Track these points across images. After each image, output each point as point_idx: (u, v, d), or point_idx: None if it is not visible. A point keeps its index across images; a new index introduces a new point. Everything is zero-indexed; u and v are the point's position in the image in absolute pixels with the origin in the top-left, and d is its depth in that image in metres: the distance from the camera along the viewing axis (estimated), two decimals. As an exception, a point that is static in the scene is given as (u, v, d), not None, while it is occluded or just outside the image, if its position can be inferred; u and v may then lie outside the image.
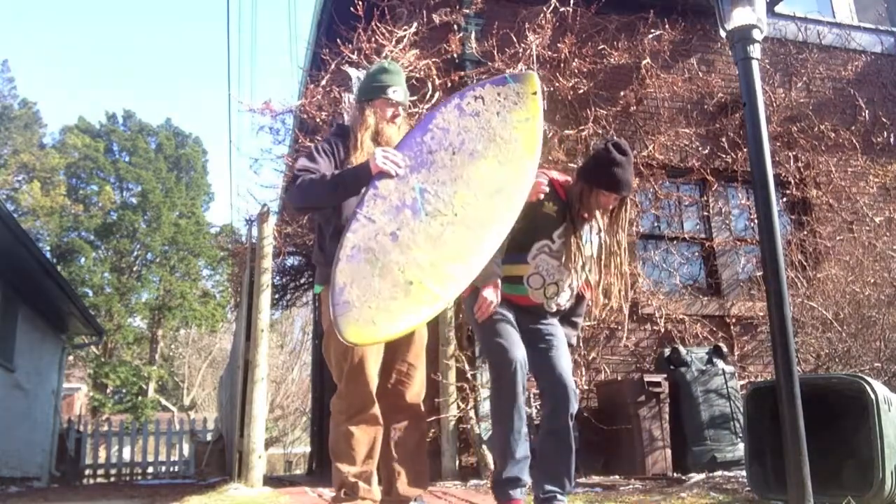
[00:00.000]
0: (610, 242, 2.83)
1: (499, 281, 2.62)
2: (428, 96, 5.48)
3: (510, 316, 2.67)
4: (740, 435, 4.55)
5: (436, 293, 2.38)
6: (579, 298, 2.88)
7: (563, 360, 2.71)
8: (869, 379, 2.86)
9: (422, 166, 2.60)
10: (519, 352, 2.60)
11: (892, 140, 6.84)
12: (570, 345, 2.84)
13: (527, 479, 2.59)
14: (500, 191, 2.56)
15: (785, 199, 6.39)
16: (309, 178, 2.58)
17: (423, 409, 2.81)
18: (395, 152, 2.56)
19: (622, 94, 6.12)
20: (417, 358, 2.80)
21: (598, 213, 2.80)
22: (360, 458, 2.57)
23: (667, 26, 6.20)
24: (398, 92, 2.80)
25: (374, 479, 2.62)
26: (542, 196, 2.68)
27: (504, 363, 2.59)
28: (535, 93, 2.69)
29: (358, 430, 2.58)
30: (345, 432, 2.59)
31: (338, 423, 2.62)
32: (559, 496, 2.59)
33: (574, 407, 2.66)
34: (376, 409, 2.62)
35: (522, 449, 2.58)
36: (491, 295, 2.58)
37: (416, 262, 2.41)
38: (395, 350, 2.73)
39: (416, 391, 2.79)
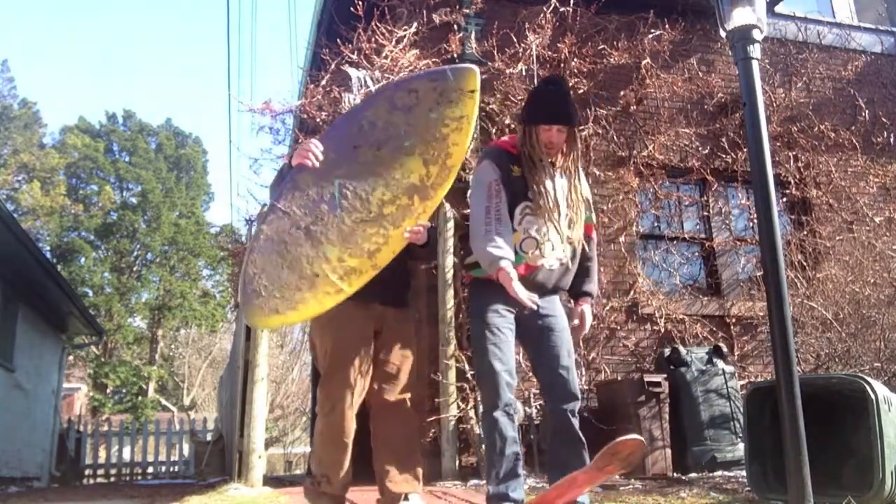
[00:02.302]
0: (570, 178, 2.70)
1: (508, 264, 2.51)
2: (428, 96, 5.48)
3: (505, 323, 2.64)
4: (740, 435, 4.55)
5: (339, 286, 2.48)
6: (583, 246, 2.78)
7: (562, 350, 2.66)
8: (869, 379, 2.86)
9: (344, 161, 2.56)
10: (507, 371, 2.57)
11: (892, 140, 6.84)
12: (588, 295, 2.79)
13: (516, 495, 2.53)
14: (420, 190, 2.55)
15: (785, 199, 6.39)
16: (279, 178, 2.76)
17: (410, 407, 2.86)
18: (317, 144, 2.56)
19: (622, 94, 6.12)
20: (404, 358, 2.84)
21: (556, 153, 2.67)
22: (327, 457, 2.71)
23: (667, 26, 6.20)
24: None
25: (341, 476, 2.72)
26: (510, 165, 2.65)
27: (489, 377, 2.58)
28: (472, 91, 2.62)
29: (327, 428, 2.70)
30: (319, 428, 2.74)
31: (318, 417, 2.78)
32: (577, 498, 2.54)
33: (575, 400, 2.62)
34: (344, 412, 2.68)
35: (506, 465, 2.53)
36: (507, 282, 2.49)
37: (325, 256, 2.49)
38: (381, 351, 2.79)
39: (402, 390, 2.82)
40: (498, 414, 2.55)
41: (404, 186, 2.55)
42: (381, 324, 2.80)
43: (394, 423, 2.79)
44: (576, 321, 2.79)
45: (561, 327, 2.71)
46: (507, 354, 2.60)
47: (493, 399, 2.56)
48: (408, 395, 2.84)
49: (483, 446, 4.77)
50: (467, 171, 5.41)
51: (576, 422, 2.61)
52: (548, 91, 2.71)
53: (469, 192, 2.92)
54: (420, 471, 2.85)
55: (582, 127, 5.87)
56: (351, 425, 2.71)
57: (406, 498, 2.74)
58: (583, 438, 2.61)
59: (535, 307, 2.52)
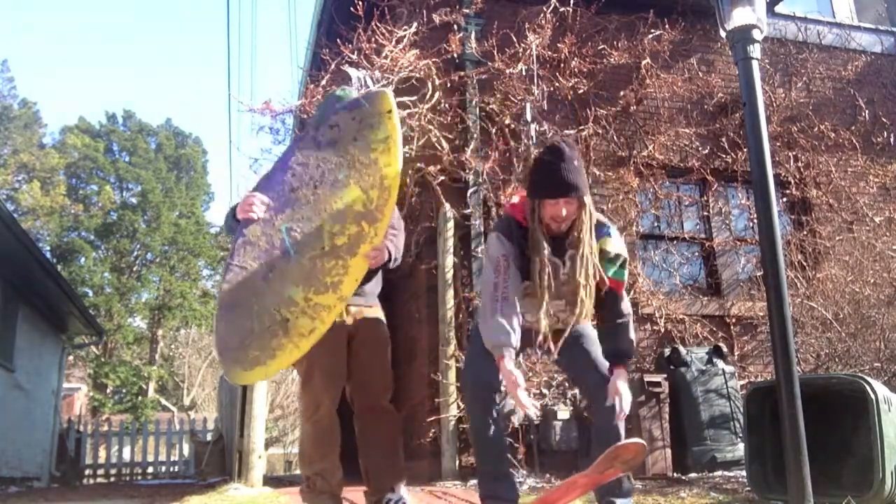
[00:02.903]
0: (580, 254, 2.52)
1: (511, 353, 2.44)
2: (428, 96, 5.49)
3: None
4: (740, 435, 4.55)
5: (312, 325, 2.56)
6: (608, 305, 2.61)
7: (592, 347, 2.61)
8: (869, 379, 2.86)
9: (286, 206, 2.63)
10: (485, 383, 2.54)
11: (892, 140, 6.84)
12: (618, 358, 2.57)
13: (505, 494, 2.54)
14: (366, 215, 2.60)
15: (785, 199, 6.39)
16: (226, 221, 2.80)
17: (389, 405, 2.96)
18: (259, 195, 2.64)
19: (622, 94, 6.12)
20: (374, 357, 2.92)
21: (565, 225, 2.52)
22: (318, 456, 2.82)
23: (667, 26, 6.20)
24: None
25: (336, 473, 2.85)
26: (521, 240, 2.54)
27: (466, 387, 2.58)
28: (389, 111, 2.65)
29: (314, 429, 2.81)
30: (305, 431, 2.87)
31: (301, 423, 2.93)
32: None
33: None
34: (329, 409, 2.80)
35: (493, 465, 2.56)
36: (507, 379, 2.41)
37: (291, 299, 2.56)
38: (357, 351, 2.89)
39: (378, 391, 2.93)
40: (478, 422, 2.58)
41: (350, 216, 2.61)
42: (355, 325, 2.87)
43: (376, 423, 2.92)
44: (609, 401, 2.50)
45: (587, 333, 2.66)
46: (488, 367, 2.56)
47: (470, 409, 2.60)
48: (388, 394, 2.96)
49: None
50: (467, 170, 5.42)
51: (621, 425, 2.53)
52: (551, 162, 2.49)
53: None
54: (403, 465, 2.98)
55: (582, 127, 5.88)
56: (336, 422, 2.84)
57: (392, 490, 2.86)
58: (622, 438, 2.53)
59: (534, 414, 2.50)
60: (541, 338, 2.52)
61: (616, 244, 2.62)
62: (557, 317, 2.58)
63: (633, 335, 2.63)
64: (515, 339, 2.45)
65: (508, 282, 2.51)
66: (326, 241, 2.60)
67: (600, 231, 2.60)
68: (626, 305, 2.63)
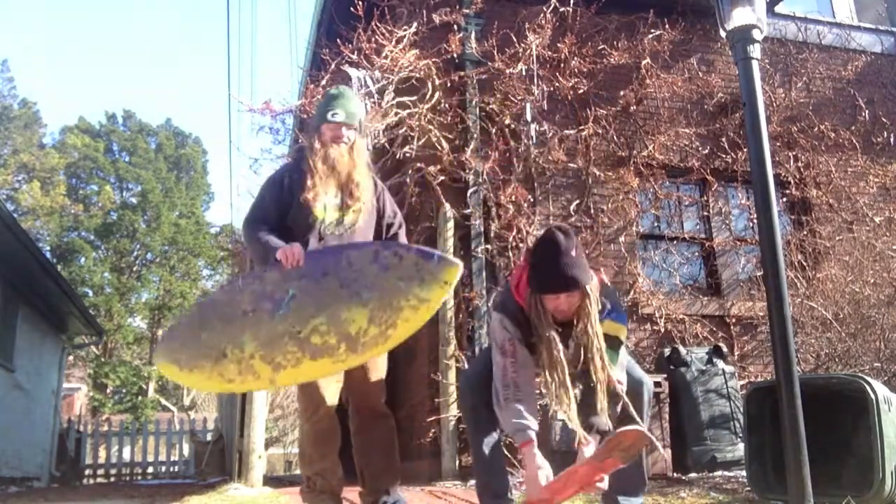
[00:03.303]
0: (585, 344, 2.41)
1: (533, 436, 2.37)
2: (428, 96, 5.49)
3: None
4: (740, 435, 4.55)
5: (235, 378, 2.63)
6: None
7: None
8: (869, 379, 2.86)
9: (310, 278, 2.67)
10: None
11: (892, 140, 6.83)
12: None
13: (498, 485, 2.56)
14: (351, 341, 2.60)
15: (785, 199, 6.39)
16: (248, 233, 2.86)
17: (383, 407, 2.99)
18: (300, 253, 2.67)
19: (622, 94, 6.12)
20: (375, 360, 2.92)
21: (569, 315, 2.43)
22: (318, 456, 2.84)
23: (667, 26, 6.20)
24: (338, 114, 2.90)
25: (336, 472, 2.87)
26: (527, 328, 2.45)
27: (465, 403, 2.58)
28: (447, 282, 2.63)
29: (313, 429, 2.84)
30: (305, 432, 2.89)
31: (300, 424, 2.96)
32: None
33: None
34: (328, 410, 2.82)
35: (493, 482, 2.56)
36: (534, 464, 2.34)
37: (241, 345, 2.62)
38: None
39: (374, 392, 2.94)
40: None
41: (341, 330, 2.62)
42: None
43: (371, 425, 2.94)
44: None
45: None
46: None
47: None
48: (383, 396, 2.97)
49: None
50: (467, 170, 5.42)
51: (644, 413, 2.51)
52: (549, 256, 2.38)
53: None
54: (398, 467, 3.00)
55: (582, 127, 5.88)
56: (335, 422, 2.86)
57: (388, 492, 2.88)
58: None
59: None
60: (577, 440, 2.36)
61: (614, 326, 2.50)
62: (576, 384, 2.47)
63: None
64: (534, 422, 2.39)
65: (517, 366, 2.44)
66: (307, 330, 2.61)
67: (601, 312, 2.47)
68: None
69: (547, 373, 2.41)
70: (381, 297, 2.61)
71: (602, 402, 2.38)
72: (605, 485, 2.30)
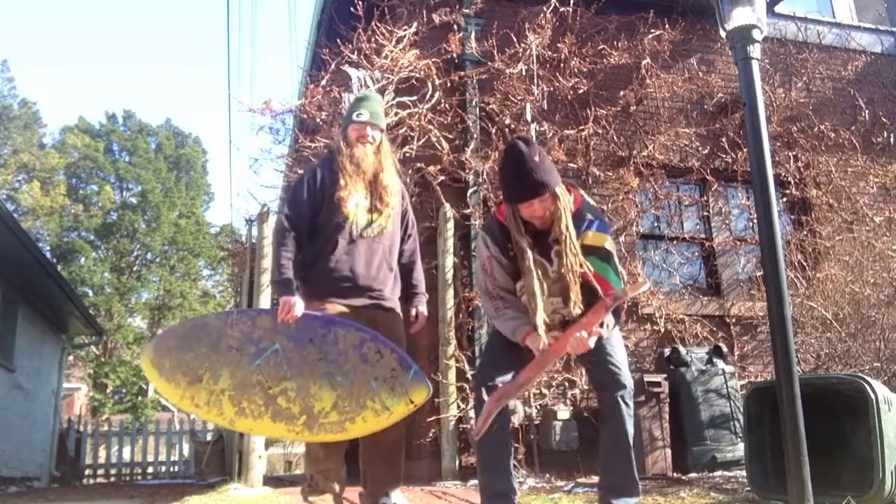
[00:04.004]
0: (563, 249, 2.51)
1: (527, 327, 2.51)
2: (428, 96, 5.49)
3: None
4: (740, 435, 4.55)
5: (202, 406, 2.73)
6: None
7: (615, 360, 2.57)
8: (869, 379, 2.86)
9: (297, 341, 2.73)
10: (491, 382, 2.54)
11: (892, 140, 6.84)
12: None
13: (501, 487, 2.55)
14: (311, 418, 2.65)
15: (785, 199, 6.39)
16: (277, 238, 2.90)
17: None
18: (298, 312, 2.74)
19: (622, 94, 6.12)
20: None
21: (546, 220, 2.53)
22: (324, 455, 2.90)
23: (667, 26, 6.20)
24: (363, 114, 2.99)
25: (339, 473, 2.93)
26: (506, 242, 2.59)
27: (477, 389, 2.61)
28: (412, 402, 2.67)
29: None
30: None
31: None
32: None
33: (621, 388, 2.52)
34: None
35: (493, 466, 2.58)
36: (535, 342, 2.49)
37: (218, 377, 2.72)
38: None
39: None
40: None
41: (306, 402, 2.66)
42: (372, 328, 2.87)
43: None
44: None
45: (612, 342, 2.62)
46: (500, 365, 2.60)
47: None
48: None
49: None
50: (467, 170, 5.42)
51: (625, 412, 2.53)
52: (513, 165, 2.50)
53: None
54: (401, 471, 3.01)
55: (582, 127, 5.87)
56: None
57: (387, 494, 2.89)
58: (627, 435, 2.53)
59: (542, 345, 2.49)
60: (543, 340, 2.49)
61: (597, 237, 2.57)
62: (560, 313, 2.58)
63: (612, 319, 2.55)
64: (525, 318, 2.52)
65: (497, 282, 2.61)
66: (276, 390, 2.67)
67: (581, 222, 2.57)
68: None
69: (523, 280, 2.54)
70: (352, 387, 2.67)
71: (575, 295, 2.48)
72: (597, 334, 2.43)
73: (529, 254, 2.53)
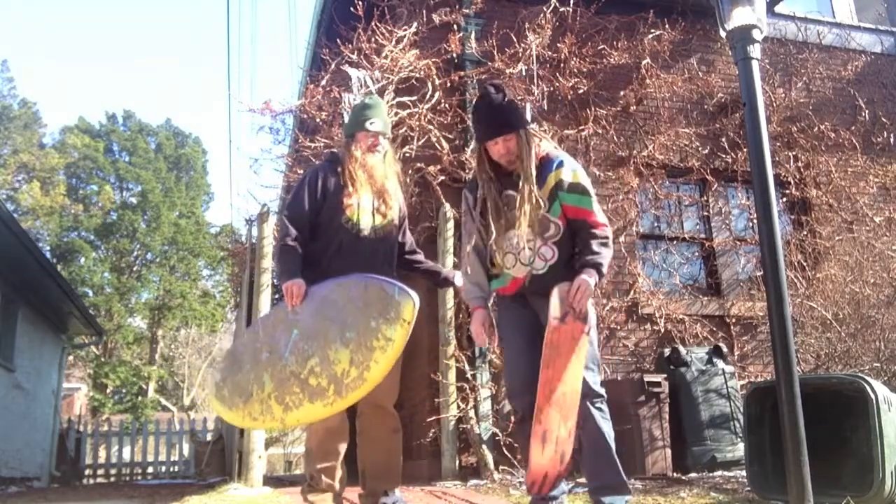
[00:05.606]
0: (528, 182, 2.61)
1: (482, 302, 2.77)
2: (428, 96, 5.48)
3: (515, 334, 2.75)
4: (740, 435, 4.55)
5: (259, 417, 2.82)
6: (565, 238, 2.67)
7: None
8: (869, 379, 2.86)
9: (309, 316, 2.82)
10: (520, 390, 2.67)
11: (892, 140, 6.84)
12: (596, 267, 2.57)
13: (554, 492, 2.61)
14: (337, 383, 2.70)
15: (785, 199, 6.39)
16: (281, 245, 2.94)
17: (392, 409, 3.03)
18: (300, 292, 2.81)
19: (622, 94, 6.12)
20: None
21: (514, 160, 2.65)
22: (323, 454, 2.93)
23: (667, 26, 6.20)
24: (375, 123, 3.05)
25: (339, 472, 2.95)
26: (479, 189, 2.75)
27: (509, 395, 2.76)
28: (406, 321, 2.71)
29: (323, 426, 2.91)
30: (314, 430, 2.98)
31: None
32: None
33: (593, 397, 2.63)
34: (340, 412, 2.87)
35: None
36: (477, 324, 2.80)
37: (263, 384, 2.83)
38: None
39: (383, 395, 2.96)
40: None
41: (330, 371, 2.73)
42: None
43: (378, 424, 2.97)
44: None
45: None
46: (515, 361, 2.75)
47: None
48: (393, 397, 3.02)
49: (482, 446, 4.79)
50: (467, 170, 5.42)
51: (597, 413, 2.64)
52: (482, 106, 2.70)
53: None
54: (399, 470, 3.04)
55: (582, 127, 5.87)
56: (345, 423, 2.93)
57: (386, 493, 2.92)
58: (603, 434, 2.63)
59: (485, 344, 2.77)
60: (532, 283, 2.63)
61: (570, 173, 2.65)
62: (539, 255, 2.62)
63: (606, 251, 2.61)
64: (480, 291, 2.78)
65: (469, 237, 2.78)
66: (306, 372, 2.75)
67: (551, 163, 2.67)
68: (596, 233, 2.61)
69: (491, 219, 2.68)
70: (360, 336, 2.72)
71: (523, 223, 2.60)
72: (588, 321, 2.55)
73: (491, 186, 2.68)
